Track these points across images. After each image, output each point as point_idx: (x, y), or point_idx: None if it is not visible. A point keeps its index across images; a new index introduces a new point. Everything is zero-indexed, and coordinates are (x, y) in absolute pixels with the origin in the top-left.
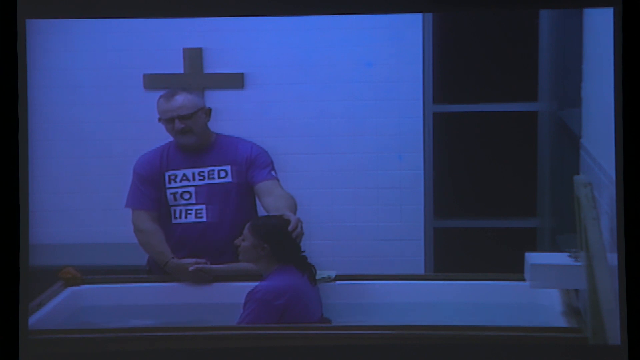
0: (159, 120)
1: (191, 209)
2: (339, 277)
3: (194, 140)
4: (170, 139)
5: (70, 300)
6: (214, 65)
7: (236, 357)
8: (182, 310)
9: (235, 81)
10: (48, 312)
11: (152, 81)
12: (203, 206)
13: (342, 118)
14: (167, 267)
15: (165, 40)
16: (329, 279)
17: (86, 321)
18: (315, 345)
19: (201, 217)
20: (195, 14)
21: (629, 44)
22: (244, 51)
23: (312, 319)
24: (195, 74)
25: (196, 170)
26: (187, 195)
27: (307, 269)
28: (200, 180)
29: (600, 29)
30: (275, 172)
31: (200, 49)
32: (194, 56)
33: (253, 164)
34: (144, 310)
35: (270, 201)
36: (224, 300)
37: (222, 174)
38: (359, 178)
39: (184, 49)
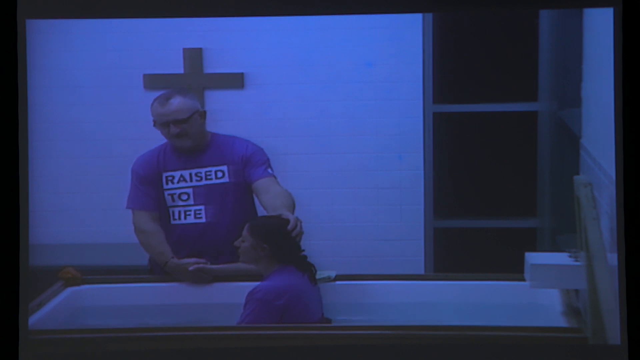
0: (154, 124)
1: (190, 210)
2: (339, 277)
3: (189, 143)
4: None
5: (70, 300)
6: (214, 65)
7: (236, 357)
8: (182, 310)
9: (235, 81)
10: (48, 312)
11: (152, 81)
12: (202, 207)
13: (342, 118)
14: (167, 267)
15: (165, 40)
16: (329, 279)
17: (86, 321)
18: (316, 345)
19: (200, 217)
20: (195, 14)
21: (629, 44)
22: (244, 51)
23: (312, 319)
24: (195, 74)
25: (193, 171)
26: (185, 197)
27: (307, 268)
28: (197, 181)
29: (600, 29)
30: (272, 170)
31: (200, 49)
32: (194, 56)
33: (249, 162)
34: (144, 310)
35: (267, 199)
36: (224, 300)
37: (220, 174)
38: (359, 178)
39: (184, 49)
